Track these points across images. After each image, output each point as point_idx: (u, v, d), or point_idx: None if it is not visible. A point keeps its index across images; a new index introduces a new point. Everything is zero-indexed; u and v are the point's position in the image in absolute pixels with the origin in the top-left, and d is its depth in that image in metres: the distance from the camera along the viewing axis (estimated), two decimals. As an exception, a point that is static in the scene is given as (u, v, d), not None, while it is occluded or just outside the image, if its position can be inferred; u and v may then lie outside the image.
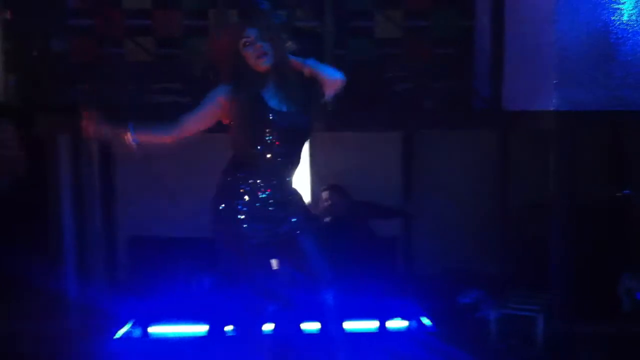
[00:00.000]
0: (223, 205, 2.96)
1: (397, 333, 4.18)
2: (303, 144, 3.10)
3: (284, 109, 3.00)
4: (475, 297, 4.38)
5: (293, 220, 3.05)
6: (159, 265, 4.69)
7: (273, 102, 3.00)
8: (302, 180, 4.84)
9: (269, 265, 3.09)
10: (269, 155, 2.98)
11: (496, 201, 4.81)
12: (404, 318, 4.31)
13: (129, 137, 2.89)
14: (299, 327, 3.37)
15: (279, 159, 2.98)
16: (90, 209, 4.88)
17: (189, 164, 4.82)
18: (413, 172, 5.06)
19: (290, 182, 3.11)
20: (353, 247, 4.42)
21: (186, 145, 3.08)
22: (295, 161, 3.08)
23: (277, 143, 2.96)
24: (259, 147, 2.96)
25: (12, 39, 4.88)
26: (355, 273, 4.16)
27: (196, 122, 3.03)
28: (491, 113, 4.71)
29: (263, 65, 2.97)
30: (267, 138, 2.95)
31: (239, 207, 2.96)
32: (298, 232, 3.04)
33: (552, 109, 3.98)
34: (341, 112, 3.41)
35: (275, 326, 3.21)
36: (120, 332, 4.25)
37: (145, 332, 4.25)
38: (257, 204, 2.98)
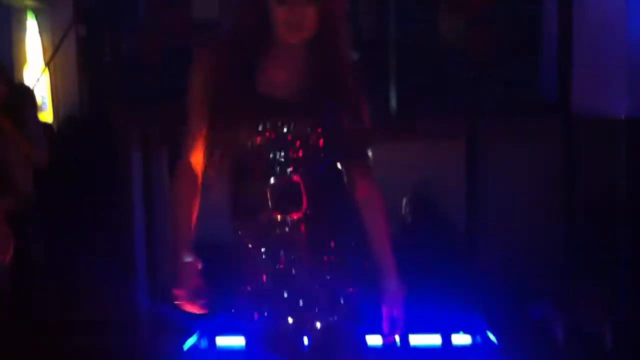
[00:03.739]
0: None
1: (462, 348, 4.01)
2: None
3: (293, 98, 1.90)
4: (543, 311, 4.17)
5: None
6: (227, 275, 4.63)
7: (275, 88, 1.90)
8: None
9: None
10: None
11: (564, 209, 4.58)
12: (468, 332, 4.14)
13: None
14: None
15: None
16: (162, 214, 4.86)
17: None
18: (477, 180, 4.87)
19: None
20: (422, 258, 4.27)
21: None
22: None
23: (296, 157, 1.87)
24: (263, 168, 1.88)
25: (86, 53, 4.91)
26: (421, 284, 4.01)
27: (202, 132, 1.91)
28: (558, 118, 4.51)
29: (296, 37, 1.87)
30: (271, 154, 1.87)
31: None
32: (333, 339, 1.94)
33: (622, 116, 3.78)
34: (402, 116, 3.09)
35: None
36: (188, 344, 4.21)
37: (212, 343, 4.19)
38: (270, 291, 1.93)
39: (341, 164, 1.96)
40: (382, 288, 1.97)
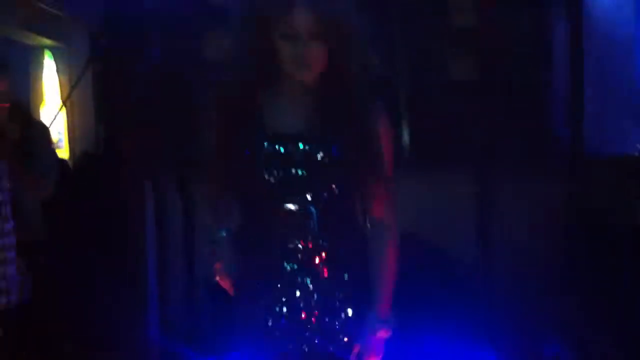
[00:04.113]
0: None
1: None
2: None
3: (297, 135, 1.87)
4: (556, 350, 4.12)
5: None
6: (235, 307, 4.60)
7: (281, 124, 1.87)
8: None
9: None
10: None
11: (577, 247, 4.55)
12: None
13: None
14: None
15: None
16: (174, 254, 4.86)
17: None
18: (488, 216, 4.85)
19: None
20: (434, 294, 4.24)
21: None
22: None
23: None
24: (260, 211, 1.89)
25: (102, 91, 4.97)
26: (433, 321, 3.98)
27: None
28: (572, 157, 4.50)
29: (304, 75, 1.83)
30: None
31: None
32: None
33: (636, 153, 3.78)
34: (411, 159, 3.15)
35: None
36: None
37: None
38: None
39: (356, 194, 1.94)
40: (367, 319, 1.90)
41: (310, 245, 1.87)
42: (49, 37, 4.86)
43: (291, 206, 1.85)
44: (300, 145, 1.86)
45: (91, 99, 4.98)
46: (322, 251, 1.88)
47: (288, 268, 1.87)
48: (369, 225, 1.96)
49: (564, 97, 4.57)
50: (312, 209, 1.86)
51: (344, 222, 1.92)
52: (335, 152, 1.85)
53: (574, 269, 4.51)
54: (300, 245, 1.87)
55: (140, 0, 4.80)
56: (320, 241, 1.87)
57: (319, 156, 1.85)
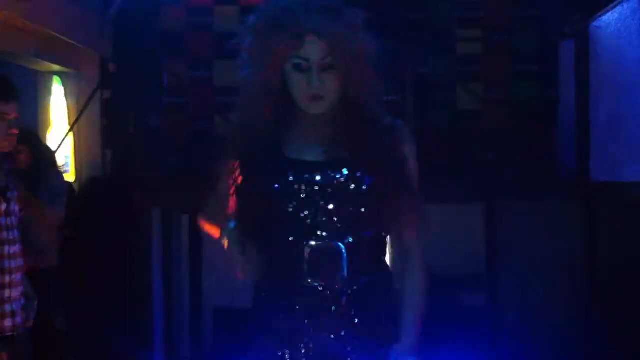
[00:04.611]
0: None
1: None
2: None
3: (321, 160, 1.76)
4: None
5: None
6: (244, 337, 4.58)
7: (304, 153, 1.77)
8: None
9: None
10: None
11: (585, 274, 4.51)
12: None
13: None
14: None
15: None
16: (179, 279, 4.84)
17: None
18: (497, 244, 4.82)
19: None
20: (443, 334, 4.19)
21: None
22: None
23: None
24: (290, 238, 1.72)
25: (110, 117, 4.99)
26: (438, 347, 3.92)
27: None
28: (578, 184, 4.47)
29: (318, 109, 1.74)
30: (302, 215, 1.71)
31: None
32: None
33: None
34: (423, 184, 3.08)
35: None
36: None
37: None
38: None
39: (386, 231, 1.79)
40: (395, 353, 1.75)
41: (337, 286, 1.72)
42: (58, 64, 4.90)
43: (317, 243, 1.71)
44: (331, 175, 1.72)
45: (98, 124, 5.00)
46: (350, 291, 1.73)
47: (313, 309, 1.72)
48: (396, 250, 1.81)
49: (572, 128, 4.57)
50: (341, 245, 1.72)
51: (372, 258, 1.77)
52: (368, 180, 1.72)
53: (583, 298, 4.47)
54: (326, 286, 1.72)
55: (149, 28, 4.84)
56: (349, 281, 1.72)
57: (351, 187, 1.72)
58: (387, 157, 1.75)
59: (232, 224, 1.78)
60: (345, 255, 1.71)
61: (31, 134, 3.63)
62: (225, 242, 1.79)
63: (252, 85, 1.75)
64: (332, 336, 1.72)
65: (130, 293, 4.46)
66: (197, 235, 4.97)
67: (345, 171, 1.73)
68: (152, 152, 4.85)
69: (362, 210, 1.72)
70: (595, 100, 4.35)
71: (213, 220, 1.87)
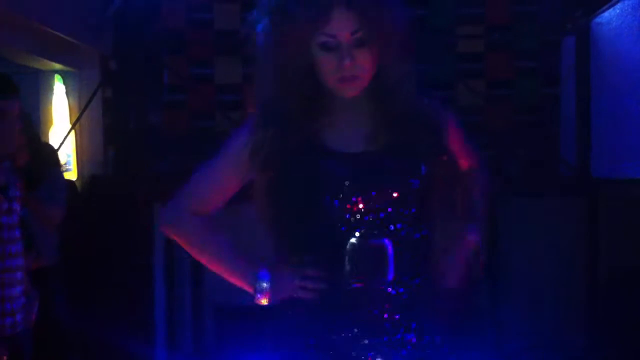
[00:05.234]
0: None
1: None
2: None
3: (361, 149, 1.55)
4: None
5: None
6: (246, 335, 4.57)
7: (339, 143, 1.55)
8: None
9: None
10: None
11: (585, 271, 4.49)
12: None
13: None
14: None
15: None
16: (180, 275, 4.83)
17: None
18: (497, 240, 4.80)
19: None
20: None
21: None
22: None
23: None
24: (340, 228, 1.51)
25: (111, 115, 4.98)
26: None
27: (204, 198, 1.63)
28: (579, 180, 4.46)
29: (351, 91, 1.53)
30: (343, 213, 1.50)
31: None
32: None
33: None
34: None
35: None
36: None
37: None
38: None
39: (435, 226, 1.59)
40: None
41: (389, 290, 1.52)
42: (59, 62, 4.89)
43: (362, 243, 1.51)
44: (377, 166, 1.50)
45: (100, 122, 4.99)
46: (396, 292, 1.53)
47: (364, 318, 1.53)
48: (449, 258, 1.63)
49: (573, 125, 4.55)
50: (387, 242, 1.51)
51: (425, 255, 1.57)
52: (422, 169, 1.53)
53: (584, 291, 4.46)
54: (370, 288, 1.52)
55: (150, 25, 4.83)
56: (398, 285, 1.52)
57: (400, 176, 1.51)
58: (438, 142, 1.57)
59: (264, 275, 1.55)
60: (391, 252, 1.50)
61: (30, 131, 3.62)
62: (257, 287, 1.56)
63: (274, 75, 1.53)
64: (386, 339, 1.52)
65: (132, 290, 4.46)
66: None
67: (393, 160, 1.53)
68: (154, 150, 4.84)
69: (413, 202, 1.53)
70: (597, 97, 4.33)
71: (187, 228, 1.63)
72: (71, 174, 4.98)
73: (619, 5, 3.87)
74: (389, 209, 1.52)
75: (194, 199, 1.64)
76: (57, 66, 5.01)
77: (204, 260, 1.67)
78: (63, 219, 3.41)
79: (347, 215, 1.51)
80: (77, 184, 4.72)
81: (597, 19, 4.18)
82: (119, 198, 4.67)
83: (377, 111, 1.56)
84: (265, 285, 1.57)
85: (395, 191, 1.52)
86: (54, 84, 5.19)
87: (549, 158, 4.66)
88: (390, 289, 1.53)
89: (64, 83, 5.15)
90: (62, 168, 4.00)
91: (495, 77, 4.82)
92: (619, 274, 4.35)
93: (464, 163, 1.71)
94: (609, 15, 4.01)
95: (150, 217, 4.62)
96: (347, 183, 1.51)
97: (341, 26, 1.46)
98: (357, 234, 1.51)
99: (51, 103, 5.21)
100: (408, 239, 1.54)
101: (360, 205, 1.51)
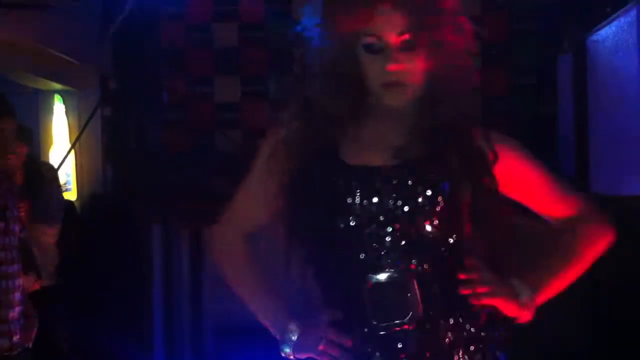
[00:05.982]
0: None
1: None
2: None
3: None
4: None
5: None
6: (245, 356, 4.55)
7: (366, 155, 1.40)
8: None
9: None
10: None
11: (583, 288, 4.47)
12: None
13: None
14: None
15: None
16: (179, 295, 4.81)
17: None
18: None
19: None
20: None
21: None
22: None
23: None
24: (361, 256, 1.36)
25: (110, 134, 4.98)
26: None
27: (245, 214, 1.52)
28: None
29: (396, 99, 1.38)
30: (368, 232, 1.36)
31: None
32: None
33: (640, 193, 3.73)
34: None
35: None
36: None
37: None
38: None
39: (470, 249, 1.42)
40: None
41: (412, 327, 1.34)
42: (59, 82, 4.90)
43: (383, 277, 1.34)
44: (395, 183, 1.33)
45: (99, 141, 4.99)
46: (427, 331, 1.35)
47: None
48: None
49: (571, 143, 4.55)
50: (410, 277, 1.34)
51: (453, 288, 1.38)
52: (445, 187, 1.35)
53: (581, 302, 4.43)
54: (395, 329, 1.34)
55: (149, 44, 4.84)
56: (423, 322, 1.35)
57: (422, 198, 1.34)
58: (471, 159, 1.38)
59: (292, 330, 1.43)
60: (415, 287, 1.33)
61: (27, 132, 3.59)
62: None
63: (315, 76, 1.40)
64: None
65: (131, 310, 4.44)
66: (198, 251, 4.95)
67: (411, 177, 1.35)
68: (153, 169, 4.84)
69: (437, 227, 1.35)
70: (594, 114, 4.33)
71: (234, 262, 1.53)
72: (71, 194, 4.98)
73: (615, 23, 3.88)
74: (410, 234, 1.35)
75: (242, 219, 1.53)
76: (57, 86, 5.02)
77: (237, 292, 1.57)
78: (58, 239, 3.40)
79: (363, 246, 1.36)
80: (77, 204, 4.71)
81: (594, 37, 4.19)
82: (118, 217, 4.67)
83: (417, 126, 1.40)
84: (293, 338, 1.45)
85: (415, 214, 1.36)
86: (53, 104, 5.20)
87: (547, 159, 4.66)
88: (417, 327, 1.35)
89: (64, 103, 5.16)
90: (60, 187, 3.99)
91: (492, 93, 4.83)
92: (618, 290, 4.33)
93: (556, 210, 1.52)
94: (605, 33, 4.02)
95: (149, 236, 4.61)
96: (361, 206, 1.35)
97: (386, 26, 1.32)
98: (373, 271, 1.34)
99: (51, 123, 5.21)
100: (436, 268, 1.36)
101: (378, 232, 1.35)
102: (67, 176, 5.00)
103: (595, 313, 4.35)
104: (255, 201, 1.49)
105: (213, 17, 4.97)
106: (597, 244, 1.55)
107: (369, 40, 1.34)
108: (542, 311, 1.56)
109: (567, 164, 4.59)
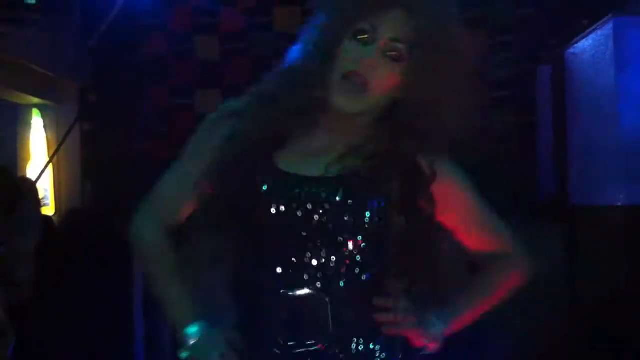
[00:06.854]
0: None
1: None
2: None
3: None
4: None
5: None
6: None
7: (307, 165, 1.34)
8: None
9: None
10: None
11: (563, 298, 4.49)
12: None
13: None
14: None
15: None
16: (160, 312, 4.78)
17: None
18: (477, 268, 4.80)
19: None
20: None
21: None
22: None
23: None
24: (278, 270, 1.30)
25: (90, 148, 4.95)
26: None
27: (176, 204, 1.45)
28: (557, 208, 4.47)
29: (350, 101, 1.30)
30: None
31: None
32: None
33: (619, 204, 3.75)
34: None
35: None
36: None
37: None
38: None
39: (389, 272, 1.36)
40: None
41: (322, 348, 1.29)
42: (37, 96, 4.87)
43: (303, 292, 1.27)
44: (322, 196, 1.25)
45: (78, 155, 4.96)
46: (335, 353, 1.30)
47: None
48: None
49: (550, 153, 4.57)
50: (326, 296, 1.27)
51: (368, 311, 1.33)
52: (373, 205, 1.28)
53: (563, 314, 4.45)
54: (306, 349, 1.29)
55: (129, 56, 4.83)
56: (336, 344, 1.29)
57: (348, 213, 1.27)
58: (408, 181, 1.33)
59: (192, 332, 1.36)
60: (330, 307, 1.28)
61: (9, 167, 3.59)
62: None
63: (283, 70, 1.36)
64: None
65: (110, 326, 4.39)
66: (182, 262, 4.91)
67: (341, 192, 1.27)
68: (133, 182, 4.81)
69: (361, 247, 1.29)
70: (572, 125, 4.37)
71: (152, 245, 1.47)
72: (49, 209, 4.93)
73: (592, 36, 3.92)
74: (330, 251, 1.28)
75: (162, 209, 1.48)
76: (35, 100, 4.98)
77: (152, 284, 1.50)
78: (36, 254, 3.36)
79: (279, 256, 1.29)
80: (55, 219, 4.66)
81: (571, 49, 4.23)
82: (97, 232, 4.62)
83: (362, 141, 1.34)
84: (190, 342, 1.37)
85: (340, 230, 1.30)
86: (31, 118, 5.15)
87: (527, 185, 4.67)
88: (325, 348, 1.29)
89: (42, 117, 5.12)
90: (39, 202, 3.95)
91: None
92: (597, 301, 4.35)
93: (478, 243, 1.49)
94: (582, 45, 4.06)
95: (128, 251, 4.57)
96: (281, 214, 1.29)
97: (388, 26, 1.28)
98: (288, 288, 1.27)
99: (29, 137, 5.17)
100: (353, 289, 1.29)
101: (297, 245, 1.28)
102: (45, 191, 4.96)
103: (574, 320, 4.37)
104: (176, 191, 1.45)
105: (194, 29, 4.98)
106: (509, 284, 1.54)
107: (363, 26, 1.28)
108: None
109: (545, 175, 4.62)
